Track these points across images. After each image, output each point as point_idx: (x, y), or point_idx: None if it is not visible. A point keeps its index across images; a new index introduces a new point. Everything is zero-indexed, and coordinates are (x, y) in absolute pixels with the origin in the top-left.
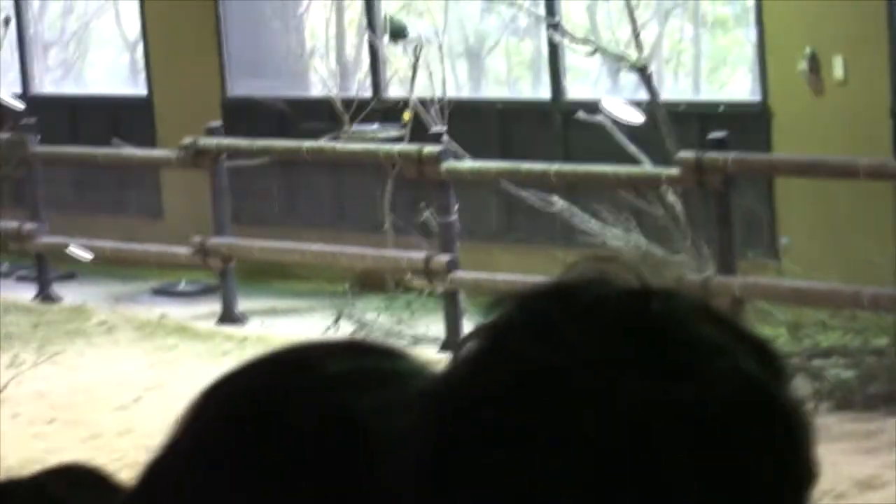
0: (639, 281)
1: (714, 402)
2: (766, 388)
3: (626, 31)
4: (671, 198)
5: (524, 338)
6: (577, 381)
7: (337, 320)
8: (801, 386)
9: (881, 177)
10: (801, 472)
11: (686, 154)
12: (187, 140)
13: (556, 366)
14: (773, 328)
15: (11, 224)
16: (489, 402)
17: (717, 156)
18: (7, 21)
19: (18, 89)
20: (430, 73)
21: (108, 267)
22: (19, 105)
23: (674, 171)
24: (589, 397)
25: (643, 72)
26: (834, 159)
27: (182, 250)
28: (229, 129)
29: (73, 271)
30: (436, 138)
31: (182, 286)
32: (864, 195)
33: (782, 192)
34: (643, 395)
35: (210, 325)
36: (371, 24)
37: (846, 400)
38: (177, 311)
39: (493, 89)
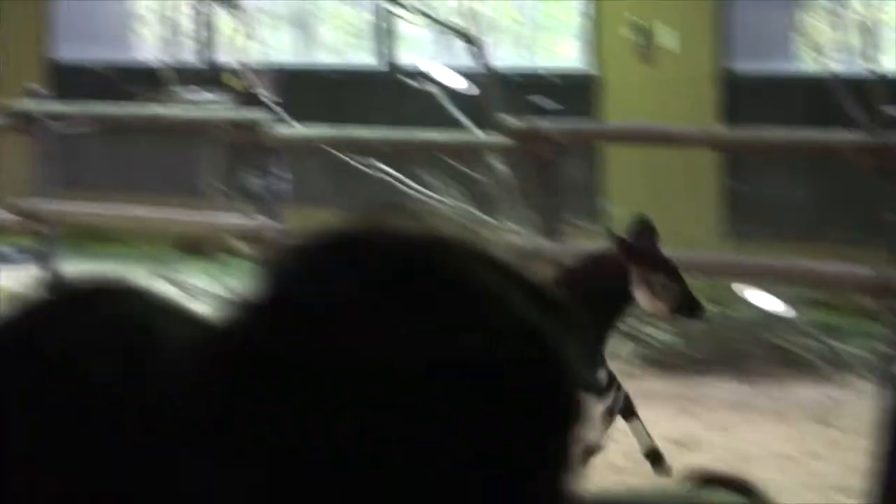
0: (423, 231)
1: (489, 348)
2: (542, 333)
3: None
4: (500, 165)
5: (300, 287)
6: (349, 326)
7: (159, 284)
8: (628, 349)
9: (707, 144)
10: (572, 410)
11: (516, 122)
12: (12, 104)
13: (325, 310)
14: None
15: None
16: (260, 353)
17: (546, 124)
18: None
19: None
20: (260, 40)
21: None
22: None
23: (503, 138)
24: (359, 343)
25: (474, 41)
26: (661, 127)
27: (5, 215)
28: (57, 94)
29: None
30: (265, 105)
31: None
32: (690, 162)
33: (610, 160)
34: (417, 344)
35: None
36: None
37: (671, 363)
38: None
39: (325, 56)
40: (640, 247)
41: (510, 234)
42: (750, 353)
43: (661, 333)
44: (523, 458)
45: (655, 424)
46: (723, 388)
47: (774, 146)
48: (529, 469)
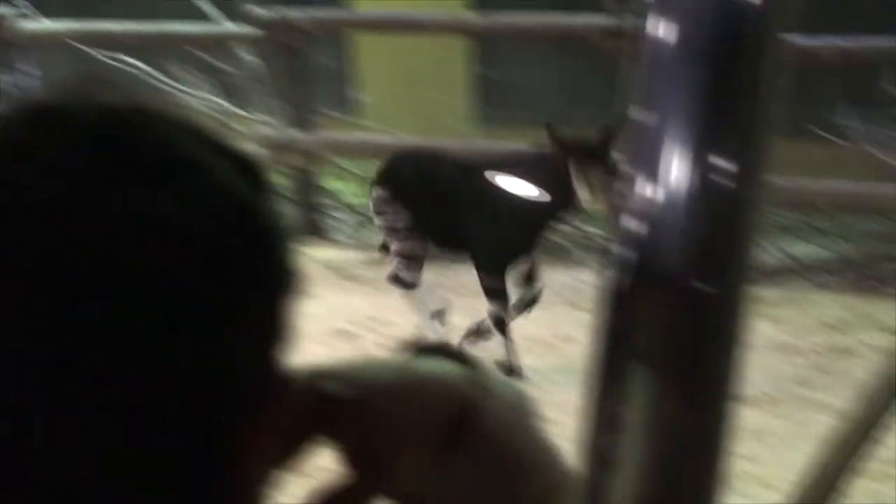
0: (124, 101)
1: (192, 213)
2: (245, 200)
3: None
4: (249, 57)
5: None
6: (49, 194)
7: None
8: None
9: (456, 31)
10: (279, 279)
11: (264, 12)
12: None
13: (27, 181)
14: (350, 183)
15: None
16: None
17: (295, 13)
18: None
19: None
20: None
21: None
22: None
23: (252, 29)
24: (61, 210)
25: None
26: (411, 15)
27: None
28: None
29: None
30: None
31: None
32: (441, 50)
33: (361, 49)
34: (118, 208)
35: None
36: None
37: None
38: None
39: None
40: (574, 139)
41: (261, 126)
42: None
43: None
44: (225, 322)
45: (409, 313)
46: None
47: (523, 31)
48: (231, 335)
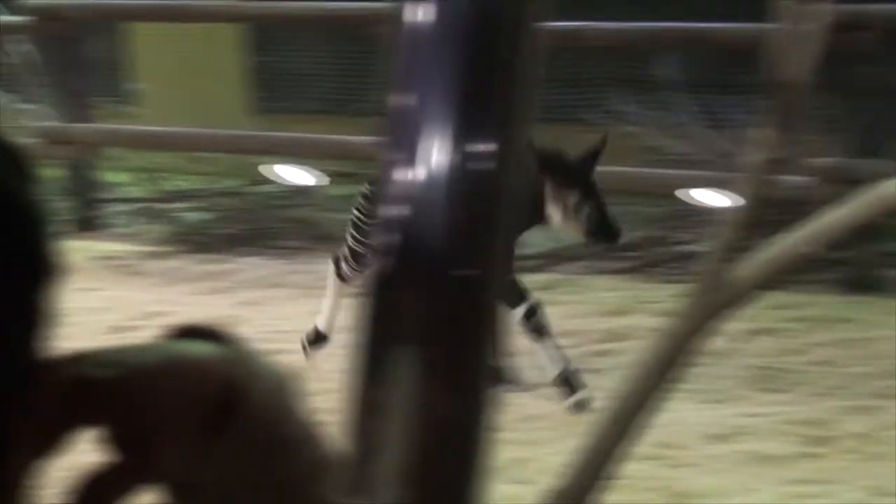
0: None
1: None
2: (6, 188)
3: None
4: (22, 46)
5: None
6: None
7: None
8: (158, 230)
9: (229, 19)
10: (40, 268)
11: (35, 0)
12: None
13: None
14: (129, 173)
15: None
16: None
17: (67, 1)
18: None
19: None
20: None
21: None
22: None
23: (24, 18)
24: None
25: None
26: (182, 3)
27: None
28: None
29: None
30: None
31: None
32: (215, 38)
33: (136, 38)
34: None
35: None
36: None
37: (201, 242)
38: None
39: None
40: (556, 159)
41: (34, 116)
42: (281, 229)
43: (194, 213)
44: None
45: (188, 305)
46: (254, 265)
47: (296, 18)
48: None
